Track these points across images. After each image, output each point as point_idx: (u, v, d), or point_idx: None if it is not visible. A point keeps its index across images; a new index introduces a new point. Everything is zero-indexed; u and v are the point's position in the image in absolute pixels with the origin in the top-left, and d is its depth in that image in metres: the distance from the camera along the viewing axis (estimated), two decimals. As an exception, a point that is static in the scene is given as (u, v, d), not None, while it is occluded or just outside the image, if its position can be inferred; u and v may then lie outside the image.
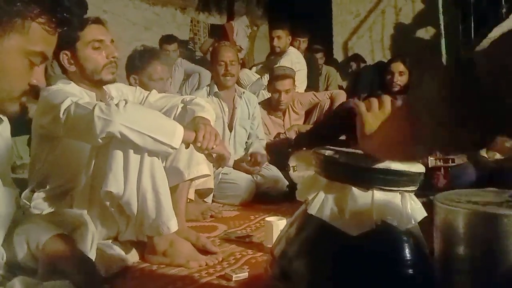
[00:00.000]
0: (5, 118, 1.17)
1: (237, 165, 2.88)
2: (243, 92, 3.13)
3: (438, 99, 0.69)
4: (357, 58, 5.91)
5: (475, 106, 0.64)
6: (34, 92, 1.06)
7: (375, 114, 1.01)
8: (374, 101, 1.03)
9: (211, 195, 2.70)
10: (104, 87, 1.83)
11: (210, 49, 5.61)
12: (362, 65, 5.70)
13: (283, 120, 3.44)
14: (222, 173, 2.77)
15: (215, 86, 2.99)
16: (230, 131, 3.01)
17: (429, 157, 2.61)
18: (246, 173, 2.84)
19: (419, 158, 0.89)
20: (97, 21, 1.77)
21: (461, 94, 0.65)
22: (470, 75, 0.63)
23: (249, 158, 2.89)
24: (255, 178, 2.87)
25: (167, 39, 4.86)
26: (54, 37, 1.03)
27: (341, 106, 3.39)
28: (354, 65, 5.76)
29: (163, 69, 2.59)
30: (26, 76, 1.02)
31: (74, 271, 1.05)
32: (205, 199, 2.68)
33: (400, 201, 1.06)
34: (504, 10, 4.99)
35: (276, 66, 3.74)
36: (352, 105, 2.74)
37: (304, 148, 2.88)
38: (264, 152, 3.02)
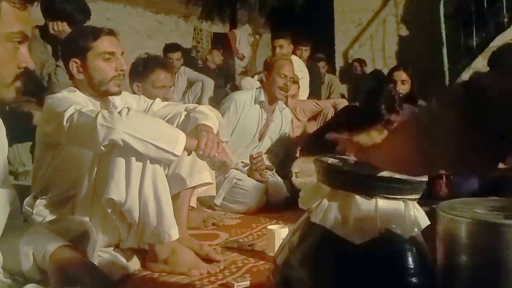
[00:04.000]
0: None
1: (251, 173, 2.88)
2: (284, 108, 3.14)
3: (448, 121, 0.69)
4: (360, 60, 5.95)
5: (486, 128, 0.64)
6: (25, 74, 1.05)
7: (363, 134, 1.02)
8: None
9: (222, 196, 2.70)
10: (108, 96, 1.84)
11: (208, 57, 5.65)
12: (364, 67, 5.74)
13: None
14: (236, 178, 2.77)
15: (263, 95, 2.98)
16: (259, 141, 3.03)
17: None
18: (258, 181, 2.84)
19: (425, 174, 0.89)
20: (111, 32, 1.79)
21: (471, 116, 0.65)
22: (478, 97, 0.64)
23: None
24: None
25: (171, 48, 4.88)
26: (27, 12, 1.01)
27: (341, 110, 3.40)
28: (357, 66, 5.79)
29: (166, 77, 2.60)
30: (13, 60, 1.01)
31: (87, 277, 1.05)
32: (215, 200, 2.69)
33: (403, 209, 1.06)
34: (505, 20, 5.01)
35: None
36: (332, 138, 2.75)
37: (307, 154, 2.88)
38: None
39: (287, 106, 3.30)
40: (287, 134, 3.19)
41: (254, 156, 2.88)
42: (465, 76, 5.03)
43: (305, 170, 2.85)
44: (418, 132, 0.75)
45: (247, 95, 3.00)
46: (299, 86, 3.45)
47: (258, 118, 2.98)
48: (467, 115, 0.66)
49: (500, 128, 0.63)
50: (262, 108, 2.99)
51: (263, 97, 2.98)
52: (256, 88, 3.10)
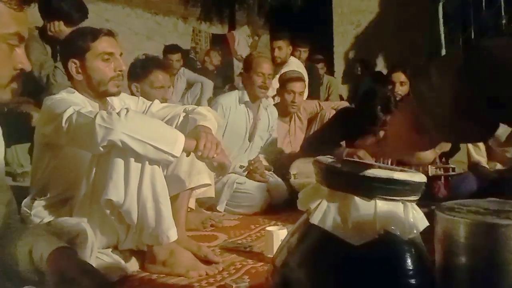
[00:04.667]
0: None
1: (250, 174, 2.88)
2: (268, 105, 3.15)
3: (445, 88, 0.69)
4: (362, 61, 5.95)
5: (480, 94, 0.64)
6: (22, 76, 1.04)
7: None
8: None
9: (224, 202, 2.70)
10: (107, 98, 1.84)
11: (206, 58, 5.65)
12: (366, 68, 5.74)
13: (289, 125, 3.45)
14: (236, 183, 2.76)
15: (246, 95, 2.98)
16: (249, 141, 3.02)
17: (429, 166, 2.61)
18: (259, 181, 2.83)
19: (428, 148, 0.89)
20: (109, 33, 1.80)
21: (466, 81, 0.65)
22: (475, 62, 0.64)
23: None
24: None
25: (171, 49, 4.88)
26: (23, 14, 1.01)
27: (339, 112, 3.39)
28: (358, 67, 5.80)
29: (164, 77, 2.60)
30: (9, 61, 1.01)
31: (85, 279, 1.05)
32: (218, 207, 2.69)
33: (402, 210, 1.06)
34: (504, 21, 5.03)
35: (289, 70, 3.75)
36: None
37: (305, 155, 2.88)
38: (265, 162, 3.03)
39: (294, 102, 3.29)
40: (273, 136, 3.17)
41: (252, 162, 2.89)
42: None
43: (303, 171, 2.86)
44: (416, 103, 0.75)
45: (231, 97, 3.00)
46: (305, 85, 3.44)
47: (245, 118, 2.97)
48: (463, 81, 0.66)
49: (495, 95, 0.63)
50: (248, 108, 2.99)
51: (247, 97, 2.98)
52: (238, 90, 3.10)
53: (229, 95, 3.11)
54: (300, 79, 3.34)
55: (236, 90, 3.13)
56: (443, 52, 5.26)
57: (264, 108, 3.08)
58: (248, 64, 3.02)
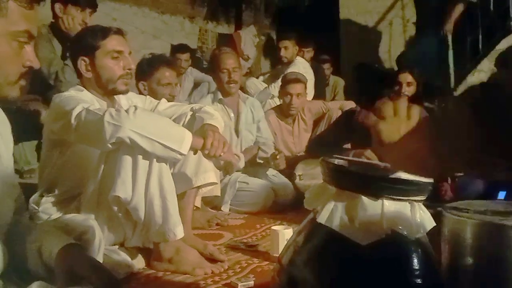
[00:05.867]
0: (1, 114, 1.17)
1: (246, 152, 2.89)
2: (247, 98, 3.13)
3: (463, 121, 0.68)
4: (369, 62, 5.90)
5: (501, 128, 0.63)
6: (30, 73, 1.05)
7: (389, 120, 0.88)
8: (387, 105, 0.89)
9: (228, 203, 2.71)
10: (114, 96, 1.85)
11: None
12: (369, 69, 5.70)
13: (292, 127, 3.44)
14: (239, 182, 2.76)
15: (219, 93, 2.98)
16: (237, 137, 3.02)
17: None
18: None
19: (439, 175, 0.87)
20: (119, 32, 1.82)
21: (486, 115, 0.64)
22: (495, 96, 0.63)
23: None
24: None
25: (180, 48, 4.86)
26: (33, 12, 1.02)
27: (344, 114, 3.39)
28: (365, 67, 5.76)
29: (171, 74, 2.61)
30: (18, 58, 1.01)
31: (93, 276, 1.06)
32: (222, 208, 2.70)
33: (409, 210, 1.06)
34: (511, 23, 4.99)
35: (289, 71, 3.74)
36: (360, 119, 2.78)
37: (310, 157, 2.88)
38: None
39: (292, 104, 3.28)
40: (261, 122, 3.15)
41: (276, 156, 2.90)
42: (471, 79, 5.01)
43: (308, 172, 2.86)
44: (433, 131, 0.74)
45: (207, 99, 2.99)
46: (306, 86, 3.44)
47: (225, 116, 2.93)
48: (482, 115, 0.65)
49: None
50: (225, 106, 2.97)
51: (220, 95, 2.96)
52: (210, 92, 3.11)
53: (205, 98, 3.11)
54: (298, 80, 3.30)
55: (210, 92, 3.14)
56: (450, 53, 5.22)
57: (243, 101, 3.04)
58: (213, 62, 3.00)
